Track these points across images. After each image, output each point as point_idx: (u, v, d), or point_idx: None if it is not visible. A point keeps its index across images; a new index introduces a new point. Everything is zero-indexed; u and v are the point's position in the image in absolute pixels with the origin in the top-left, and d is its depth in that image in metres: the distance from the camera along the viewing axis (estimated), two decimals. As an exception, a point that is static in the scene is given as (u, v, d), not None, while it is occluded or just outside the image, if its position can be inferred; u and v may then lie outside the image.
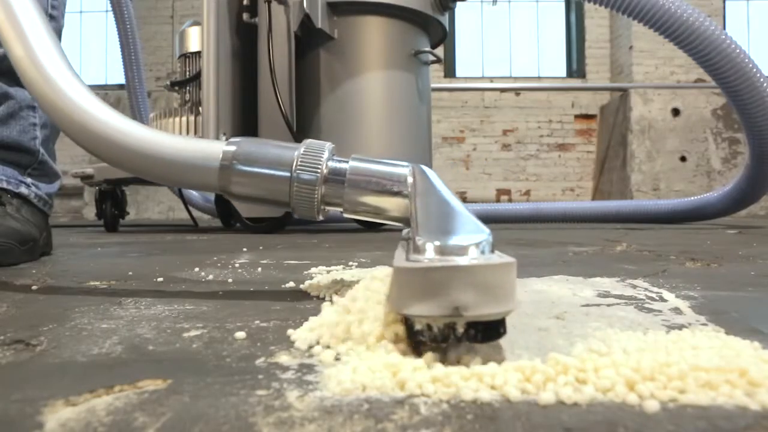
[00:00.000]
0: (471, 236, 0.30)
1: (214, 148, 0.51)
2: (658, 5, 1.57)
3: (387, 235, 1.73)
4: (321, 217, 0.50)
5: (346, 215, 0.50)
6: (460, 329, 0.27)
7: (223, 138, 1.95)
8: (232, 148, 0.50)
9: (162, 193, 4.28)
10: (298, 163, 0.48)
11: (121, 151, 0.52)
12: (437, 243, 0.29)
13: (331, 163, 0.49)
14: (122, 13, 2.33)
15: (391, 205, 0.47)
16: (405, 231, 0.52)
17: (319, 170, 0.48)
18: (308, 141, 0.50)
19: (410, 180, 0.46)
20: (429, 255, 0.29)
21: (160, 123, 2.12)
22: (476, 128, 4.86)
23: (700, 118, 4.10)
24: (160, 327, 0.39)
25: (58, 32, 0.98)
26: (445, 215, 0.38)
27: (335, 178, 0.48)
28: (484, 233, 0.32)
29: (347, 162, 0.49)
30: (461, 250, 0.29)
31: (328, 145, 0.50)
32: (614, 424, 0.21)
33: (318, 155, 0.48)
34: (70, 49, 5.14)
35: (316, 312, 0.38)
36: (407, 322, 0.29)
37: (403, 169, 0.48)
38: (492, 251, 0.31)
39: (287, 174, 0.48)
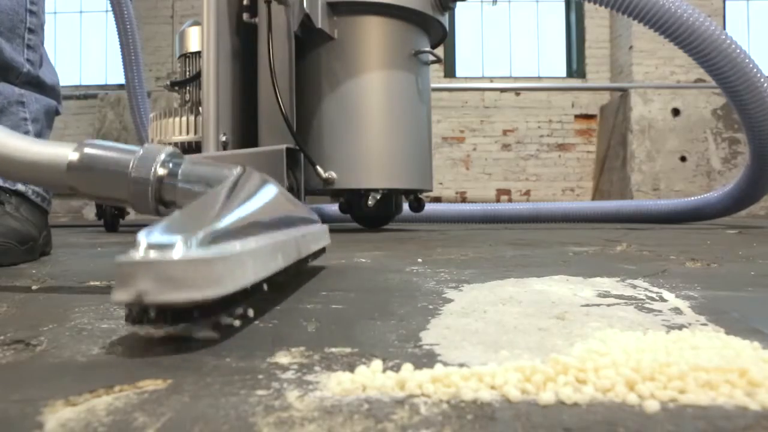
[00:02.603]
0: (185, 233, 0.33)
1: (62, 151, 0.56)
2: (658, 5, 1.57)
3: (387, 235, 1.73)
4: (158, 213, 0.55)
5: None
6: (152, 313, 0.32)
7: (223, 138, 1.96)
8: (76, 153, 0.56)
9: (162, 193, 4.27)
10: (134, 165, 0.54)
11: None
12: (146, 239, 0.33)
13: (167, 165, 0.55)
14: (122, 13, 2.34)
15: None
16: None
17: (152, 170, 0.54)
18: (146, 145, 0.56)
19: (231, 178, 0.50)
20: (139, 249, 0.32)
21: (160, 123, 2.12)
22: (476, 128, 4.86)
23: (700, 118, 4.10)
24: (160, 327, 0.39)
25: (39, 28, 0.98)
26: (198, 214, 0.40)
27: (170, 178, 0.54)
28: (202, 231, 0.34)
29: (180, 164, 0.55)
30: (164, 247, 0.32)
31: (167, 149, 0.55)
32: (614, 424, 0.21)
33: (153, 157, 0.54)
34: (71, 49, 5.15)
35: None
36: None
37: (231, 171, 0.53)
38: (211, 245, 0.34)
39: (125, 174, 0.54)
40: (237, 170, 0.53)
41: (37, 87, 0.98)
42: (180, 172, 0.54)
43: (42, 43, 1.00)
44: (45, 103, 0.99)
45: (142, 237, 0.33)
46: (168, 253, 0.32)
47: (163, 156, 0.54)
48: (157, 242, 0.33)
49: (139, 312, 0.32)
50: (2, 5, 0.91)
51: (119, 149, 0.55)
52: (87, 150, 0.55)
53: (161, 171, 0.54)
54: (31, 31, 0.96)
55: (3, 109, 0.92)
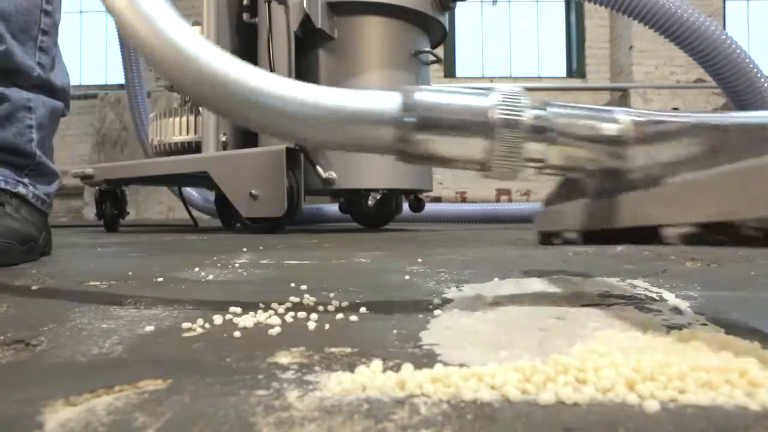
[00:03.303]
0: None
1: (387, 99, 0.43)
2: (658, 5, 1.57)
3: (388, 234, 1.73)
4: (516, 177, 0.44)
5: (543, 172, 0.44)
6: None
7: (223, 138, 1.95)
8: (409, 97, 0.43)
9: (162, 193, 4.28)
10: (498, 110, 0.41)
11: (267, 112, 0.44)
12: None
13: (534, 110, 0.42)
14: (122, 13, 2.33)
15: (604, 154, 0.42)
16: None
17: (525, 115, 0.41)
18: (496, 86, 0.44)
19: (627, 122, 0.41)
20: None
21: (160, 123, 2.12)
22: (476, 128, 4.86)
23: (700, 118, 4.10)
24: (160, 327, 0.39)
25: (53, 28, 0.98)
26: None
27: (541, 125, 0.41)
28: None
29: (545, 108, 0.42)
30: None
31: (521, 90, 0.43)
32: (614, 424, 0.21)
33: (519, 98, 0.42)
34: (70, 49, 5.15)
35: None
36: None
37: (613, 114, 0.42)
38: None
39: (485, 123, 0.41)
40: (619, 113, 0.42)
41: (47, 90, 0.98)
42: (553, 119, 0.42)
43: (55, 44, 1.00)
44: (51, 106, 0.99)
45: None
46: None
47: (525, 99, 0.42)
48: None
49: None
50: (17, 5, 0.91)
51: (454, 92, 0.43)
52: (419, 96, 0.43)
53: (530, 118, 0.41)
54: (44, 32, 0.95)
55: (9, 115, 0.92)
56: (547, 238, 0.60)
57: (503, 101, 0.41)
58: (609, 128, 0.41)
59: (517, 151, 0.41)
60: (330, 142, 0.45)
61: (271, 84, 0.44)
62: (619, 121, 0.42)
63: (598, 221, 0.46)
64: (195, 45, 0.46)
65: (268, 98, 0.44)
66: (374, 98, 0.43)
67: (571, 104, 0.43)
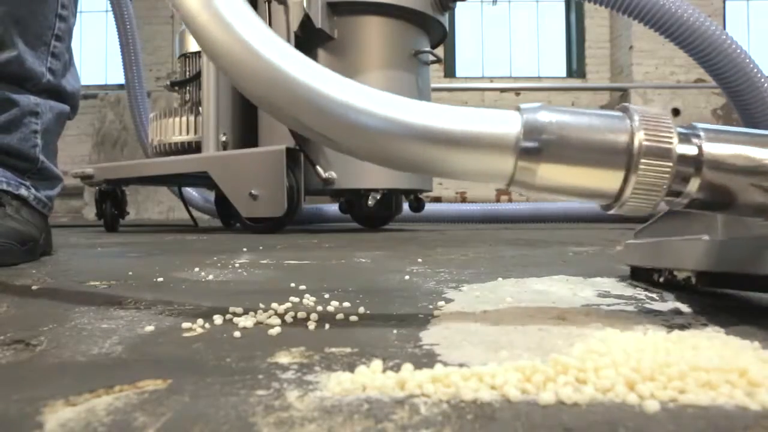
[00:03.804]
0: None
1: (506, 120, 0.37)
2: (658, 5, 1.57)
3: (388, 234, 1.73)
4: (651, 212, 0.38)
5: (683, 209, 0.38)
6: None
7: (223, 138, 1.95)
8: (534, 118, 0.37)
9: (162, 193, 4.28)
10: (644, 135, 0.35)
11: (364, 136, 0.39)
12: None
13: (681, 136, 0.36)
14: (122, 13, 2.34)
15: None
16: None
17: (672, 142, 0.35)
18: (630, 106, 0.37)
19: None
20: None
21: (160, 123, 2.12)
22: (476, 128, 4.86)
23: (700, 118, 4.10)
24: (160, 327, 0.39)
25: (67, 33, 0.98)
26: None
27: (691, 155, 0.35)
28: None
29: (697, 131, 0.36)
30: None
31: (665, 112, 0.37)
32: (614, 424, 0.21)
33: (665, 122, 0.36)
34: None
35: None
36: None
37: None
38: None
39: (625, 152, 0.35)
40: None
41: (55, 95, 0.98)
42: (703, 139, 0.36)
43: (68, 49, 1.00)
44: (59, 110, 0.99)
45: None
46: None
47: (671, 121, 0.36)
48: None
49: None
50: (33, 11, 0.91)
51: (586, 113, 0.37)
52: (544, 117, 0.36)
53: (681, 145, 0.35)
54: (58, 38, 0.95)
55: (16, 120, 0.92)
56: (645, 274, 0.56)
57: (648, 124, 0.35)
58: None
59: (662, 184, 0.35)
60: (439, 171, 0.39)
61: (362, 97, 0.40)
62: None
63: (732, 264, 0.41)
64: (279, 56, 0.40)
65: (352, 112, 0.39)
66: (489, 119, 0.37)
67: (726, 128, 0.37)
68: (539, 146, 0.36)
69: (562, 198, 0.39)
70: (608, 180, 0.36)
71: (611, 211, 0.38)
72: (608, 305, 0.46)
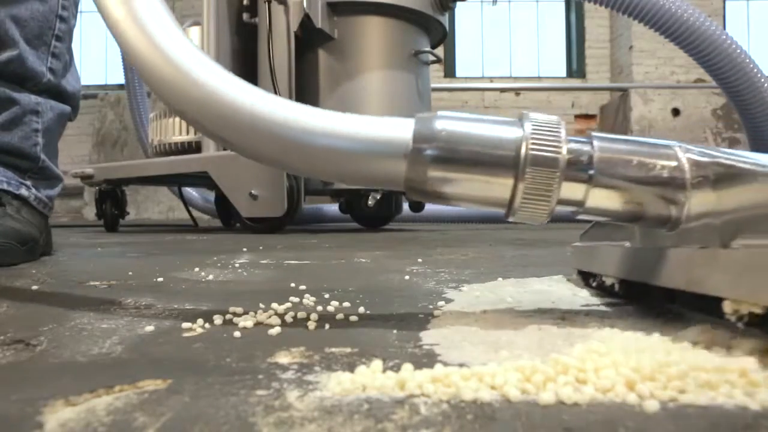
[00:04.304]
0: None
1: (400, 128, 0.37)
2: (658, 5, 1.57)
3: (388, 234, 1.73)
4: (546, 221, 0.38)
5: (579, 216, 0.38)
6: None
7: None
8: (426, 126, 0.37)
9: (162, 193, 4.28)
10: (531, 142, 0.35)
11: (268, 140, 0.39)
12: None
13: (572, 144, 0.36)
14: (122, 13, 2.33)
15: (659, 200, 0.35)
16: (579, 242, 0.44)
17: (560, 150, 0.35)
18: (527, 113, 0.38)
19: (685, 163, 0.35)
20: None
21: (160, 123, 2.12)
22: (476, 128, 4.86)
23: (700, 118, 4.10)
24: (160, 327, 0.39)
25: (67, 34, 0.98)
26: None
27: (580, 163, 0.36)
28: None
29: (590, 141, 0.37)
30: None
31: (558, 119, 0.38)
32: (614, 423, 0.21)
33: (555, 131, 0.36)
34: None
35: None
36: None
37: (669, 149, 0.36)
38: None
39: (512, 160, 0.35)
40: (678, 149, 0.36)
41: (56, 95, 0.98)
42: (596, 152, 0.36)
43: (69, 49, 1.00)
44: (60, 110, 0.99)
45: None
46: None
47: (563, 130, 0.36)
48: None
49: None
50: (33, 11, 0.91)
51: (482, 121, 0.37)
52: (437, 125, 0.36)
53: (569, 154, 0.35)
54: (58, 38, 0.95)
55: (17, 119, 0.92)
56: (586, 278, 0.55)
57: (537, 133, 0.36)
58: (664, 169, 0.35)
59: (550, 193, 0.35)
60: (327, 175, 0.40)
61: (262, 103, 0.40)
62: (677, 160, 0.35)
63: (641, 274, 0.40)
64: (191, 63, 0.41)
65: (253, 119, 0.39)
66: (383, 125, 0.38)
67: (620, 137, 0.37)
68: (429, 154, 0.36)
69: (459, 205, 0.39)
70: (498, 188, 0.36)
71: (509, 219, 0.38)
72: (608, 305, 0.46)
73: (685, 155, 0.35)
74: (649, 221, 0.37)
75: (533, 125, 0.36)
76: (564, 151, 0.35)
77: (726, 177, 0.33)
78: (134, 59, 0.42)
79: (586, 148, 0.36)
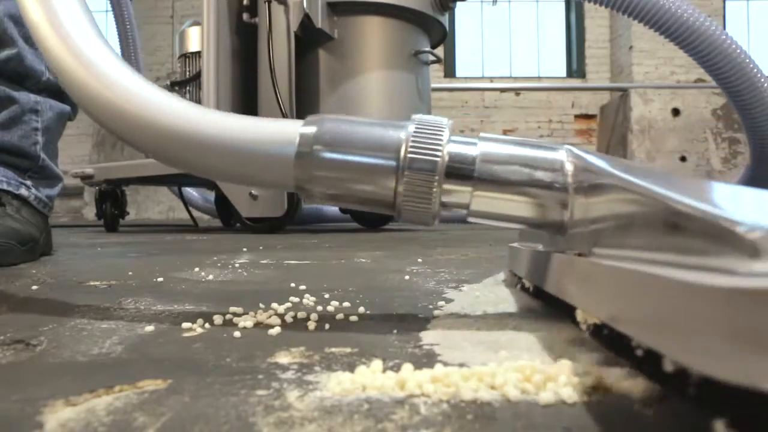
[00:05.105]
0: None
1: (287, 131, 0.38)
2: (658, 5, 1.57)
3: (388, 234, 1.73)
4: (435, 222, 0.38)
5: (471, 219, 0.38)
6: None
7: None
8: (312, 128, 0.37)
9: (162, 193, 4.28)
10: (410, 145, 0.36)
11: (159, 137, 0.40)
12: None
13: (454, 146, 0.36)
14: (122, 13, 2.33)
15: (540, 203, 0.36)
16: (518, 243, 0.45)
17: (438, 155, 0.35)
18: (417, 116, 0.38)
19: (569, 167, 0.35)
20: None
21: (160, 123, 2.12)
22: (476, 128, 4.86)
23: (700, 118, 4.10)
24: (160, 327, 0.39)
25: None
26: (707, 192, 0.27)
27: (461, 167, 0.36)
28: None
29: (474, 144, 0.36)
30: None
31: (447, 122, 0.37)
32: (613, 423, 0.21)
33: (436, 134, 0.36)
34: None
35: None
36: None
37: (555, 152, 0.36)
38: None
39: (392, 163, 0.36)
40: (562, 153, 0.36)
41: (56, 94, 0.98)
42: (478, 156, 0.36)
43: None
44: (59, 109, 0.99)
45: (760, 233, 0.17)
46: None
47: (447, 132, 0.36)
48: None
49: None
50: None
51: (371, 124, 0.38)
52: (320, 129, 0.37)
53: (448, 156, 0.36)
54: None
55: (16, 117, 0.92)
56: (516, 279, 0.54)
57: (417, 136, 0.36)
58: (546, 173, 0.35)
59: (430, 197, 0.35)
60: (222, 176, 0.41)
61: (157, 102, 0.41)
62: (561, 164, 0.35)
63: (537, 278, 0.40)
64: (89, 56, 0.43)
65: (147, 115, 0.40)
66: (272, 127, 0.38)
67: (508, 139, 0.37)
68: (314, 156, 0.37)
69: (348, 206, 0.40)
70: (380, 191, 0.36)
71: (398, 220, 0.39)
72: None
73: (570, 160, 0.35)
74: (538, 225, 0.37)
75: (416, 128, 0.36)
76: (443, 154, 0.35)
77: (596, 186, 0.33)
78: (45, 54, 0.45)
79: (470, 150, 0.36)
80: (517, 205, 0.36)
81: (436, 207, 0.36)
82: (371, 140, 0.37)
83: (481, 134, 0.38)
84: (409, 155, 0.35)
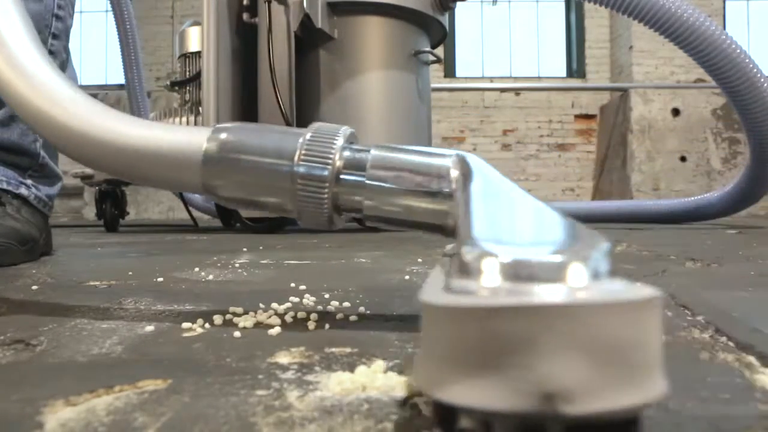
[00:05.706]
0: (571, 246, 0.18)
1: (196, 137, 0.40)
2: (658, 5, 1.57)
3: (388, 234, 1.73)
4: (336, 226, 0.40)
5: (368, 223, 0.40)
6: None
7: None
8: (220, 135, 0.40)
9: (162, 193, 4.28)
10: (303, 152, 0.37)
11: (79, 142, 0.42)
12: (505, 257, 0.17)
13: (347, 153, 0.38)
14: (122, 13, 2.33)
15: (427, 208, 0.37)
16: (449, 247, 0.47)
17: (329, 162, 0.37)
18: (317, 125, 0.40)
19: (454, 174, 0.36)
20: (490, 280, 0.17)
21: (160, 123, 2.12)
22: (476, 128, 4.86)
23: (700, 118, 4.10)
24: (160, 327, 0.39)
25: (64, 32, 0.98)
26: (515, 215, 0.27)
27: (352, 173, 0.37)
28: (598, 243, 0.19)
29: (368, 151, 0.38)
30: (554, 271, 0.16)
31: (343, 130, 0.39)
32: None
33: (329, 142, 0.38)
34: (71, 49, 5.14)
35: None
36: (441, 411, 0.17)
37: (444, 159, 0.37)
38: (611, 276, 0.18)
39: (287, 167, 0.38)
40: (451, 159, 0.37)
41: None
42: (369, 162, 0.37)
43: (65, 48, 1.00)
44: None
45: (485, 256, 0.18)
46: (602, 288, 0.17)
47: (341, 140, 0.38)
48: (545, 260, 0.17)
49: None
50: (30, 10, 0.91)
51: (276, 131, 0.40)
52: (226, 135, 0.39)
53: (341, 163, 0.37)
54: (54, 36, 0.95)
55: (15, 115, 0.92)
56: None
57: (311, 144, 0.38)
58: (433, 180, 0.36)
59: (322, 203, 0.37)
60: (136, 178, 0.43)
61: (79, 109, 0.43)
62: (448, 171, 0.36)
63: None
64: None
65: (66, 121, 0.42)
66: (183, 134, 0.41)
67: (400, 147, 0.38)
68: (217, 161, 0.39)
69: (253, 210, 0.42)
70: (277, 197, 0.39)
71: (300, 225, 0.40)
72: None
73: (457, 167, 0.36)
74: (429, 229, 0.38)
75: (311, 135, 0.38)
76: (335, 160, 0.37)
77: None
78: None
79: (361, 157, 0.38)
80: (406, 210, 0.37)
81: (330, 211, 0.38)
82: (270, 147, 0.38)
83: (376, 144, 0.39)
84: (302, 161, 0.37)
